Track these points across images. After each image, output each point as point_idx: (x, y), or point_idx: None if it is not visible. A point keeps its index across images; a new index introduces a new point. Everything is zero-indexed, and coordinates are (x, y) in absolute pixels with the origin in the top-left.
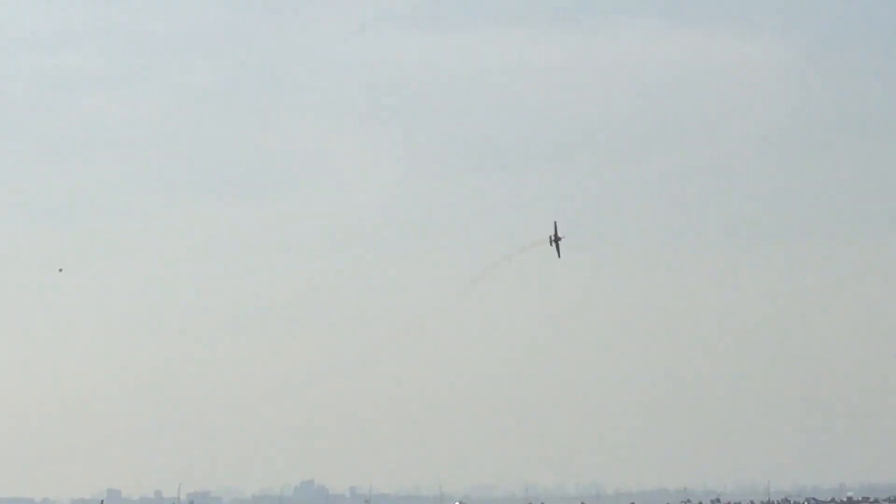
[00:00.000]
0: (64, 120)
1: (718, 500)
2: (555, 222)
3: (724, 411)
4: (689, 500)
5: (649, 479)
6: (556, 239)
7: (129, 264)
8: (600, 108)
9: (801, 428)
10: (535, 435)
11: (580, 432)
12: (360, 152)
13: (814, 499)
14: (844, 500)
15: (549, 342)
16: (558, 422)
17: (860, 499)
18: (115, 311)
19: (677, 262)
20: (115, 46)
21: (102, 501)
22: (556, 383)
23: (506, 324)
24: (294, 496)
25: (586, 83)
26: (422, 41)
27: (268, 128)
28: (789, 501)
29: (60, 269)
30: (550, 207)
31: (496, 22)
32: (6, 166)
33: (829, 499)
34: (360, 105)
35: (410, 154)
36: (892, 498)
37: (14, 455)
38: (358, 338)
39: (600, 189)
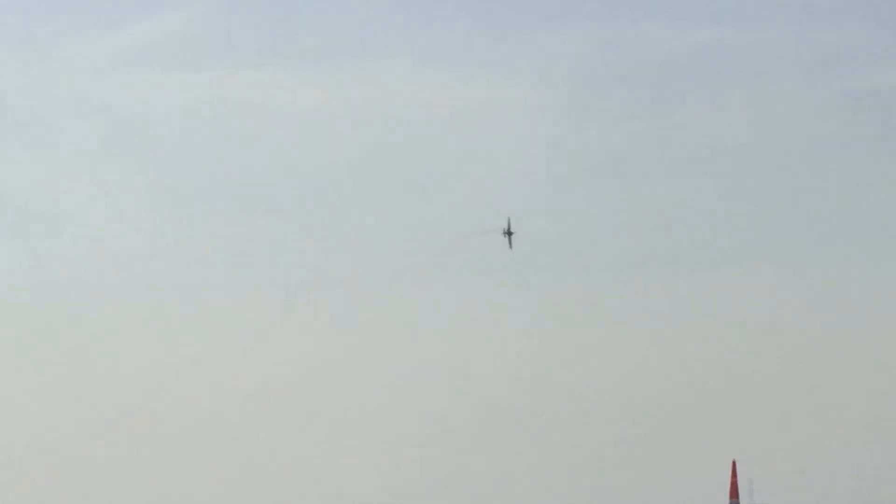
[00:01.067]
0: None
1: None
2: (508, 218)
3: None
4: None
5: None
6: (509, 233)
7: None
8: (355, 150)
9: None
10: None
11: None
12: (108, 191)
13: None
14: None
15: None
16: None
17: None
18: None
19: (435, 302)
20: None
21: None
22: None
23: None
24: None
25: (341, 125)
26: (174, 79)
27: (9, 166)
28: None
29: None
30: (301, 249)
31: (250, 62)
32: None
33: None
34: (109, 143)
35: (161, 194)
36: None
37: None
38: (117, 388)
39: (355, 230)
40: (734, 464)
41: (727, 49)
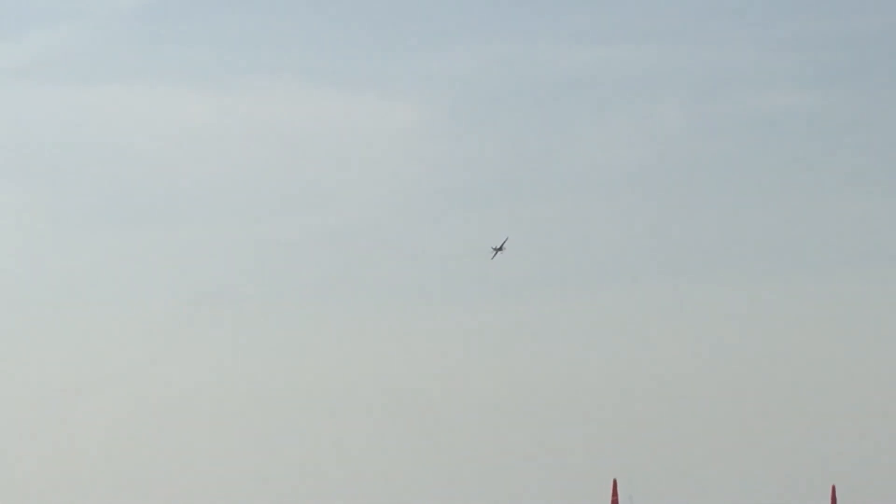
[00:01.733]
0: None
1: None
2: (506, 237)
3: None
4: None
5: None
6: (500, 248)
7: None
8: (241, 168)
9: None
10: None
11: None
12: None
13: None
14: None
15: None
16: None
17: None
18: None
19: (322, 321)
20: None
21: None
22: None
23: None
24: None
25: (228, 141)
26: (61, 94)
27: None
28: None
29: None
30: (187, 263)
31: (136, 78)
32: None
33: None
34: None
35: (47, 209)
36: None
37: None
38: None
39: (240, 249)
40: (615, 482)
41: (613, 70)
